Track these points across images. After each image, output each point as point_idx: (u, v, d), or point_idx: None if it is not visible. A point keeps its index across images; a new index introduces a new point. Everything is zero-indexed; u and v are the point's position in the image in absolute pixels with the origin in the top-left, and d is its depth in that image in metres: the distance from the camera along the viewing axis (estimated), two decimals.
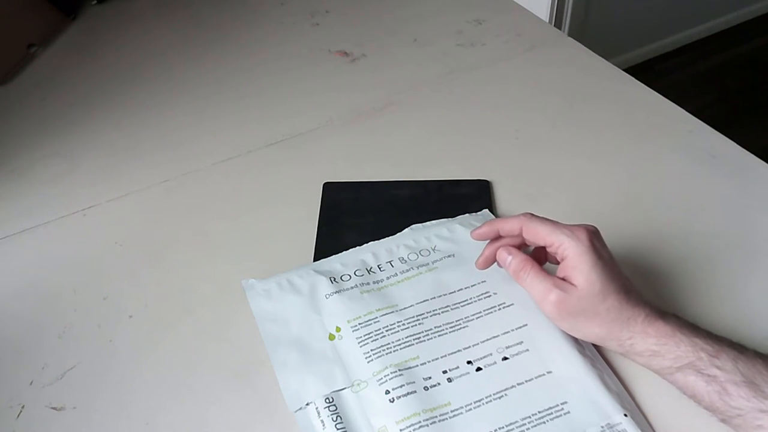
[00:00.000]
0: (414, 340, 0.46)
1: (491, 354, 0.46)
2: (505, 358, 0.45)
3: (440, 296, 0.49)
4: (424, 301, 0.49)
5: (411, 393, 0.43)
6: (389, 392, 0.43)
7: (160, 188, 0.65)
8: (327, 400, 0.44)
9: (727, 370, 0.39)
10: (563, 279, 0.44)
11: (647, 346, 0.42)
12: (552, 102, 0.71)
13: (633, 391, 0.44)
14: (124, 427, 0.45)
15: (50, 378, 0.48)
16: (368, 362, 0.45)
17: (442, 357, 0.45)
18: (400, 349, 0.46)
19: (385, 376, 0.44)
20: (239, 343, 0.49)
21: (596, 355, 0.46)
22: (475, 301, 0.49)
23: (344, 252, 0.54)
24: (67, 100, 0.78)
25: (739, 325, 0.47)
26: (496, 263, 0.49)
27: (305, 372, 0.46)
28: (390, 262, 0.53)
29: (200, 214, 0.62)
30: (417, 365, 0.45)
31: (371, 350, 0.46)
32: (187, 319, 0.52)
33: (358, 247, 0.54)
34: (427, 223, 0.56)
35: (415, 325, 0.47)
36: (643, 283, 0.48)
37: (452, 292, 0.50)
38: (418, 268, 0.52)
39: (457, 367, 0.45)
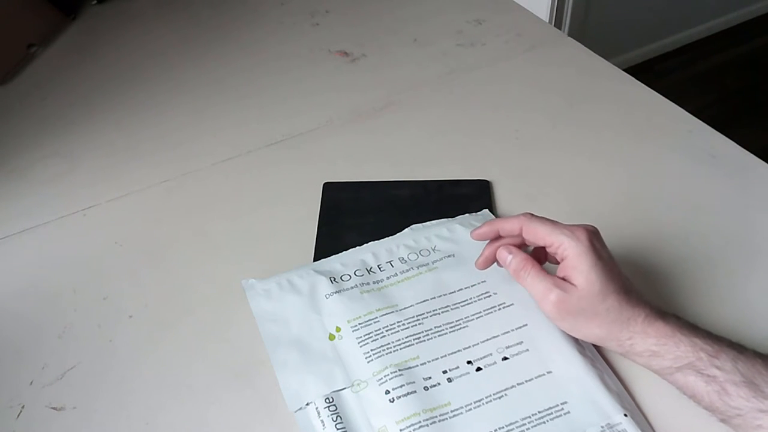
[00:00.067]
0: (414, 340, 0.46)
1: (491, 354, 0.46)
2: (505, 358, 0.45)
3: (440, 296, 0.50)
4: (424, 301, 0.49)
5: (411, 393, 0.43)
6: (389, 392, 0.43)
7: (160, 188, 0.65)
8: (327, 400, 0.44)
9: (727, 371, 0.39)
10: (563, 279, 0.44)
11: (647, 347, 0.42)
12: (552, 102, 0.71)
13: (633, 391, 0.44)
14: (124, 427, 0.45)
15: (50, 378, 0.48)
16: (368, 362, 0.45)
17: (442, 357, 0.45)
18: (400, 349, 0.46)
19: (385, 376, 0.44)
20: (239, 343, 0.49)
21: (596, 355, 0.46)
22: (475, 301, 0.49)
23: (344, 252, 0.54)
24: (67, 100, 0.78)
25: (739, 325, 0.47)
26: (496, 263, 0.49)
27: (305, 372, 0.46)
28: (390, 262, 0.53)
29: (200, 214, 0.62)
30: (417, 365, 0.45)
31: (371, 350, 0.46)
32: (187, 319, 0.52)
33: (358, 247, 0.54)
34: (427, 223, 0.56)
35: (415, 325, 0.47)
36: (643, 283, 0.48)
37: (452, 292, 0.50)
38: (418, 268, 0.52)
39: (457, 367, 0.45)
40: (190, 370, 0.48)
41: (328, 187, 0.62)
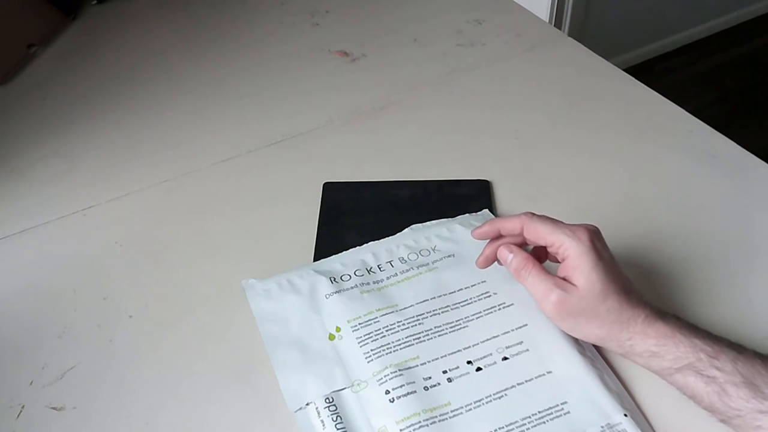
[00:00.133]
0: (414, 340, 0.46)
1: (491, 354, 0.46)
2: (505, 358, 0.45)
3: (440, 296, 0.50)
4: (424, 301, 0.49)
5: (411, 393, 0.43)
6: (389, 392, 0.43)
7: (160, 188, 0.65)
8: (327, 400, 0.44)
9: (727, 371, 0.39)
10: (564, 279, 0.44)
11: (647, 347, 0.42)
12: (552, 102, 0.71)
13: (633, 391, 0.44)
14: (124, 427, 0.45)
15: (50, 378, 0.48)
16: (368, 362, 0.45)
17: (442, 357, 0.45)
18: (400, 349, 0.46)
19: (385, 376, 0.44)
20: (239, 343, 0.49)
21: (596, 355, 0.46)
22: (475, 301, 0.49)
23: (344, 252, 0.54)
24: (67, 100, 0.78)
25: (739, 325, 0.47)
26: (496, 262, 0.49)
27: (305, 372, 0.46)
28: (390, 262, 0.53)
29: (200, 214, 0.62)
30: (417, 365, 0.45)
31: (371, 350, 0.46)
32: (187, 319, 0.52)
33: (358, 247, 0.54)
34: (427, 223, 0.56)
35: (415, 325, 0.47)
36: (643, 283, 0.48)
37: (452, 292, 0.50)
38: (418, 268, 0.52)
39: (457, 367, 0.45)
40: (190, 370, 0.48)
41: (328, 187, 0.62)
